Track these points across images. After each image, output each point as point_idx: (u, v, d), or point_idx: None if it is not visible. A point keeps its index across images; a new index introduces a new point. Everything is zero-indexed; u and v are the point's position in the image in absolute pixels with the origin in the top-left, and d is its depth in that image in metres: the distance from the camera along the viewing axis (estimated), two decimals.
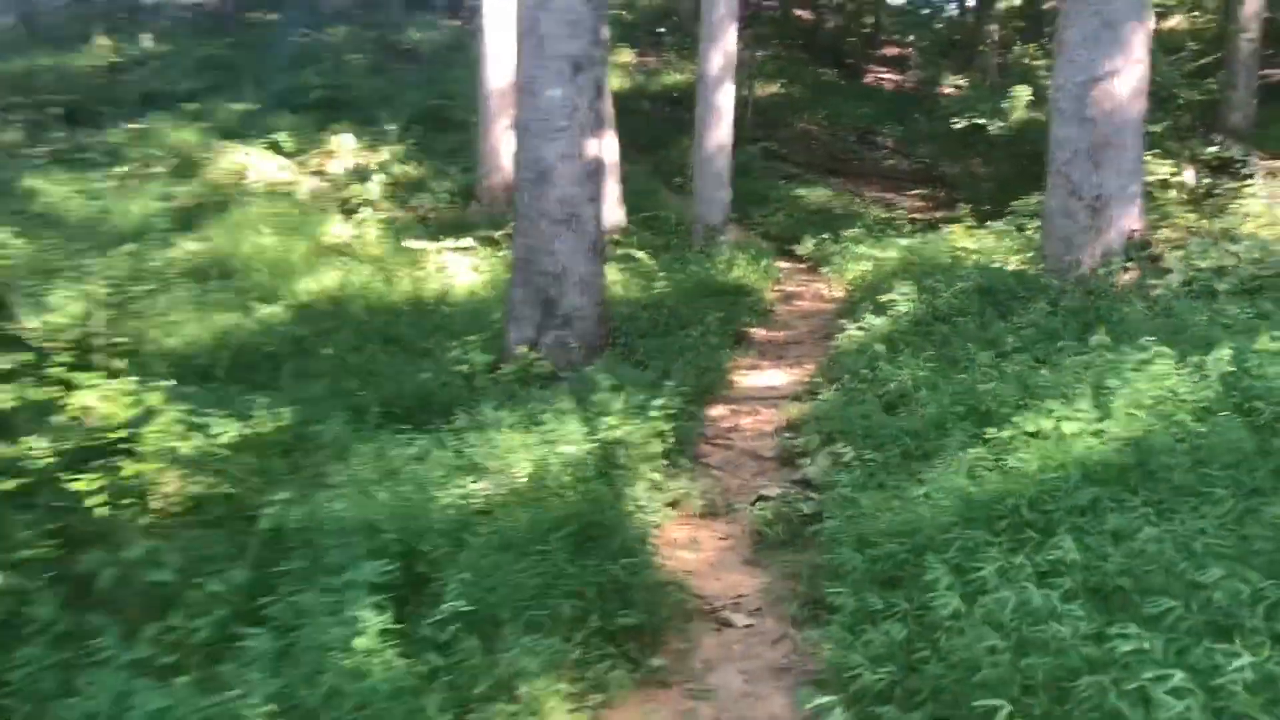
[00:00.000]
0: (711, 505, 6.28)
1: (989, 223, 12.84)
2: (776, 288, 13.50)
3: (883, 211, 18.16)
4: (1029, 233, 12.19)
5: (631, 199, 16.88)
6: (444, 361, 8.52)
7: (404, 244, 14.72)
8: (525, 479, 5.54)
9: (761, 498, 6.35)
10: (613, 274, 12.52)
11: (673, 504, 6.18)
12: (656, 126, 22.08)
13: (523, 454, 5.86)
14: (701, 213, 14.50)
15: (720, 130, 14.48)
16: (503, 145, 17.19)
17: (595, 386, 6.57)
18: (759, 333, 11.12)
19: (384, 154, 18.47)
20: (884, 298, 9.24)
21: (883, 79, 28.65)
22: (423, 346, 9.51)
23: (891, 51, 30.41)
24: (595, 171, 8.59)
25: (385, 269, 14.16)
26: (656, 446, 6.25)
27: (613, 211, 14.57)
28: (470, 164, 17.37)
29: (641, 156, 20.84)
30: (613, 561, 4.53)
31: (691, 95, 15.07)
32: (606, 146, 14.74)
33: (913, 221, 17.20)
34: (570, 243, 8.41)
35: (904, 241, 13.23)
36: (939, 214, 17.69)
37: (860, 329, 8.88)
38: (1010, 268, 10.44)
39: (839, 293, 13.14)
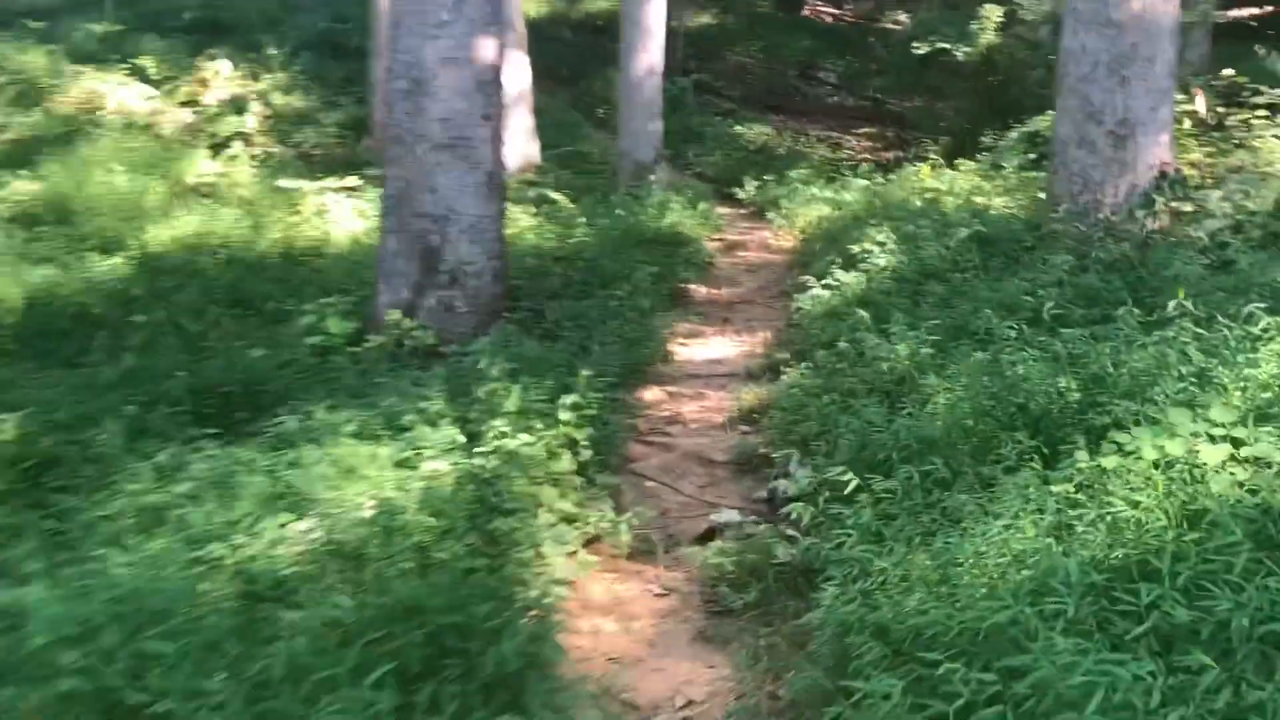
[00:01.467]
0: (646, 542, 4.45)
1: (959, 161, 11.10)
2: (717, 236, 11.63)
3: (829, 151, 16.35)
4: (1008, 171, 10.50)
5: (548, 133, 14.80)
6: (294, 331, 6.53)
7: (279, 184, 12.53)
8: (362, 525, 3.64)
9: (713, 530, 4.54)
10: (522, 219, 10.54)
11: (591, 541, 4.34)
12: (578, 57, 19.90)
13: (365, 481, 3.96)
14: (628, 148, 12.53)
15: (649, 53, 12.48)
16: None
17: (482, 376, 4.66)
18: (699, 290, 9.27)
19: (265, 83, 16.11)
20: (856, 248, 7.44)
21: (821, 12, 26.74)
22: (282, 308, 7.47)
23: None
24: (491, 83, 6.59)
25: (255, 213, 12.00)
26: (566, 462, 4.37)
27: (524, 145, 12.54)
28: (364, 94, 15.14)
29: (562, 90, 18.75)
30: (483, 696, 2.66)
31: (618, 23, 13.09)
32: (516, 67, 12.69)
33: (863, 162, 15.42)
34: (457, 176, 6.44)
35: (862, 183, 11.44)
36: (892, 154, 15.95)
37: (828, 287, 7.08)
38: (997, 212, 8.74)
39: (789, 242, 11.34)
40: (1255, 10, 14.93)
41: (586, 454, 4.52)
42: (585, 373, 4.79)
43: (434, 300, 6.44)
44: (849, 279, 7.04)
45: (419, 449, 4.11)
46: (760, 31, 22.71)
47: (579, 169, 13.10)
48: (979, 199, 9.53)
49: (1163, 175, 6.91)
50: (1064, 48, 7.19)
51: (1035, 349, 4.66)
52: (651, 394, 6.48)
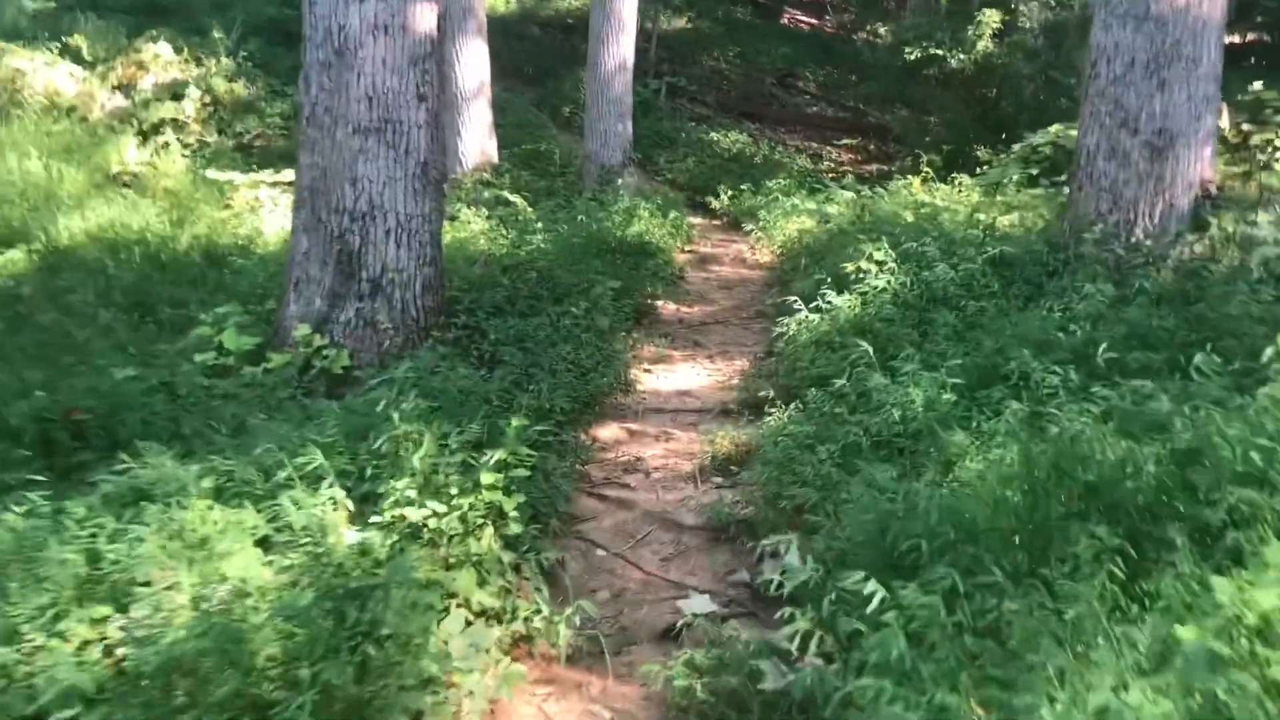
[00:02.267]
0: (591, 640, 3.42)
1: (954, 176, 10.19)
2: (688, 248, 10.64)
3: (809, 162, 15.46)
4: (1013, 188, 9.61)
5: (510, 133, 13.78)
6: (183, 347, 5.45)
7: (208, 175, 11.41)
8: (189, 639, 2.58)
9: (674, 629, 3.51)
10: (474, 222, 9.51)
11: (520, 642, 3.30)
12: (546, 55, 18.90)
13: (213, 563, 2.90)
14: (595, 150, 11.52)
15: (621, 46, 11.49)
16: None
17: (386, 421, 3.61)
18: (668, 308, 8.26)
19: (208, 69, 14.95)
20: (850, 267, 6.46)
21: (800, 21, 25.92)
22: (186, 315, 6.40)
23: None
24: (427, 57, 5.54)
25: (180, 206, 10.87)
26: (487, 540, 3.32)
27: (481, 142, 11.49)
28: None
29: (528, 89, 17.73)
30: None
31: (588, 24, 12.09)
32: (475, 57, 11.64)
33: (845, 173, 14.53)
34: (384, 166, 5.38)
35: (847, 194, 10.51)
36: (874, 166, 15.09)
37: (818, 310, 6.09)
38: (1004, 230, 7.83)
39: (766, 256, 10.39)
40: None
41: (517, 525, 3.46)
42: (518, 422, 3.72)
43: (351, 313, 5.38)
44: (842, 302, 6.06)
45: (285, 524, 3.05)
46: (737, 37, 21.80)
47: (540, 170, 12.07)
48: (980, 215, 8.62)
49: (1205, 194, 6.00)
50: (1093, 44, 6.26)
51: (1090, 402, 3.68)
52: (609, 432, 5.45)
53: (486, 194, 10.60)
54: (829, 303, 6.17)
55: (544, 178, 11.86)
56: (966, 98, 12.64)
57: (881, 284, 6.06)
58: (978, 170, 10.81)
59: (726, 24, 22.89)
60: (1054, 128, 9.29)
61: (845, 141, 16.63)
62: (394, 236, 5.42)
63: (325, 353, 5.22)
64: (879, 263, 6.36)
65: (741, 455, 4.90)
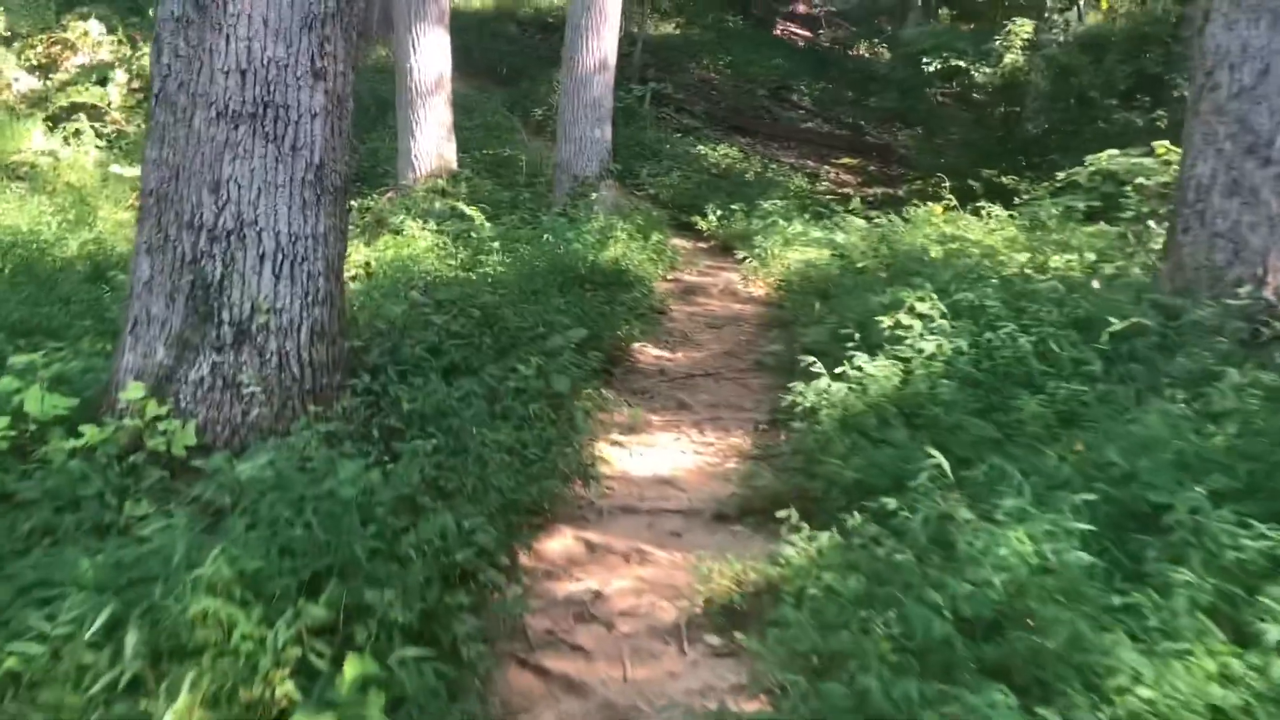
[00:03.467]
0: None
1: (983, 205, 8.78)
2: (671, 275, 9.17)
3: (804, 181, 14.03)
4: (1056, 223, 8.21)
5: (476, 137, 12.31)
6: None
7: (113, 170, 9.86)
8: None
9: None
10: (421, 239, 8.01)
11: None
12: (523, 55, 17.46)
13: None
14: (567, 158, 10.02)
15: (602, 40, 10.01)
16: None
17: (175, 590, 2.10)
18: (646, 353, 6.77)
19: (142, 51, 13.38)
20: (885, 322, 4.97)
21: (794, 34, 24.60)
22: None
23: (802, 9, 26.41)
24: (330, 17, 4.02)
25: (82, 204, 9.31)
26: None
27: (437, 144, 9.97)
28: None
29: (501, 90, 16.27)
30: None
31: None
32: (434, 47, 10.11)
33: (845, 196, 13.12)
34: (261, 166, 3.86)
35: (859, 222, 9.07)
36: (877, 189, 13.67)
37: (848, 386, 4.61)
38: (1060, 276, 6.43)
39: (761, 289, 8.92)
40: None
41: None
42: (353, 669, 2.21)
43: (205, 369, 3.84)
44: (878, 371, 4.58)
45: None
46: (728, 46, 20.43)
47: (506, 180, 10.57)
48: (1018, 254, 7.20)
49: None
50: (1209, 47, 4.84)
51: None
52: (561, 544, 3.94)
53: (439, 205, 9.09)
54: (858, 368, 4.70)
55: (509, 188, 10.36)
56: (987, 117, 11.26)
57: (930, 347, 4.59)
58: (1006, 199, 9.41)
59: (717, 32, 21.52)
60: (1104, 154, 7.89)
61: (844, 161, 15.22)
62: (272, 264, 3.90)
63: (163, 426, 3.68)
64: (923, 316, 4.89)
65: (749, 603, 3.39)
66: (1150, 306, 4.56)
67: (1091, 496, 2.87)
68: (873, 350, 5.01)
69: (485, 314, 5.17)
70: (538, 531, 3.95)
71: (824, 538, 3.35)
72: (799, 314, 7.39)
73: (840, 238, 8.69)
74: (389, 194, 9.67)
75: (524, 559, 3.71)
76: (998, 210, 8.87)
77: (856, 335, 5.08)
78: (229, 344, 3.86)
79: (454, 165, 10.17)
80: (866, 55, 22.52)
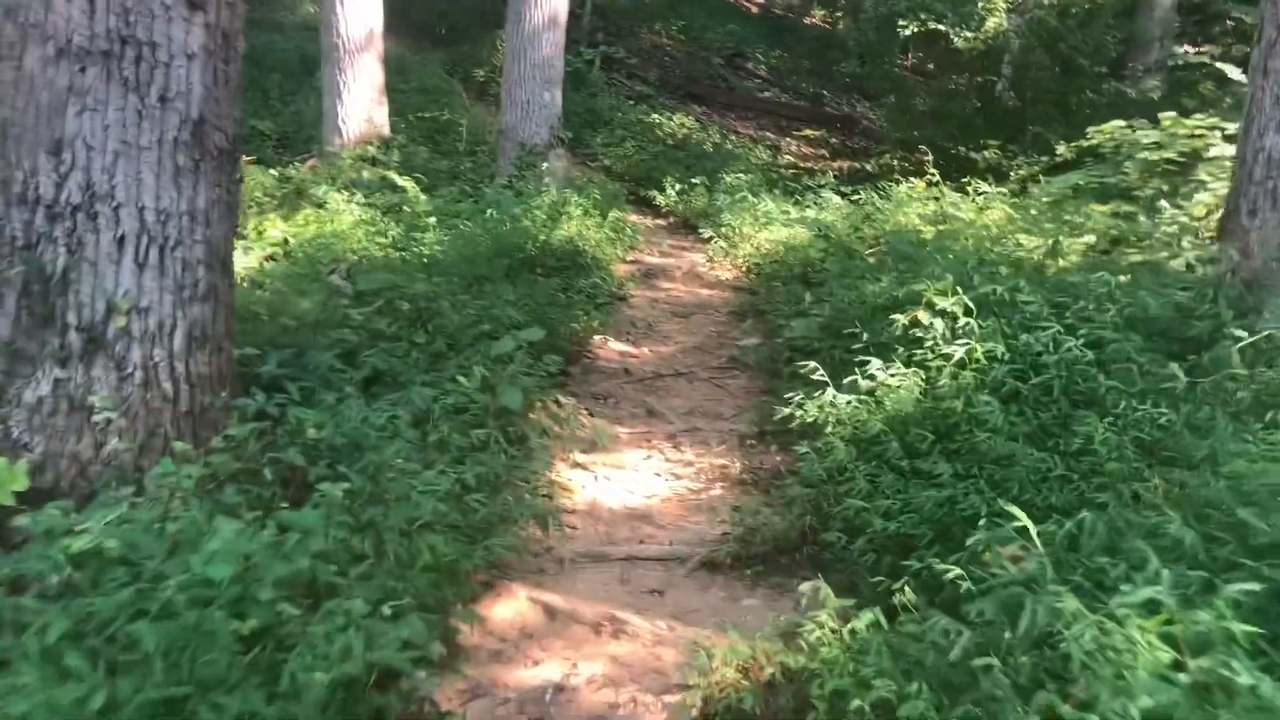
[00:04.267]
0: None
1: (976, 182, 8.04)
2: (631, 256, 8.31)
3: (765, 154, 13.23)
4: (1044, 200, 7.52)
5: (412, 101, 11.28)
6: None
7: None
8: None
9: None
10: (345, 213, 7.07)
11: None
12: (463, 14, 16.31)
13: None
14: (513, 123, 9.08)
15: None
16: None
17: None
18: (607, 349, 5.92)
19: None
20: (900, 319, 4.16)
21: (746, 1, 23.73)
22: None
23: None
24: None
25: None
26: None
27: (366, 107, 8.97)
28: None
29: (440, 51, 15.17)
30: None
31: None
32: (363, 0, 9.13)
33: (810, 171, 12.34)
34: (119, 120, 2.93)
35: (836, 200, 8.29)
36: (842, 163, 12.89)
37: (852, 402, 3.81)
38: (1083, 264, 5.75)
39: (729, 272, 8.12)
40: None
41: None
42: None
43: (46, 388, 2.92)
44: (899, 381, 3.79)
45: None
46: (681, 10, 19.47)
47: (444, 147, 9.59)
48: (1023, 237, 6.48)
49: None
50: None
51: None
52: (511, 609, 3.09)
53: (368, 174, 8.11)
54: (871, 377, 3.90)
55: (448, 156, 9.40)
56: (963, 86, 10.52)
57: (957, 352, 3.80)
58: (985, 175, 8.69)
59: None
60: (1110, 125, 7.18)
61: (806, 132, 14.42)
62: (134, 250, 2.98)
63: None
64: (944, 313, 4.09)
65: (764, 706, 2.58)
66: (1220, 301, 3.81)
67: (1254, 586, 2.09)
68: (881, 352, 4.23)
69: (418, 308, 4.27)
70: (483, 593, 3.10)
71: (863, 619, 2.54)
72: (774, 301, 6.60)
73: (816, 215, 7.90)
74: (311, 161, 8.66)
75: (465, 633, 2.86)
76: (984, 187, 8.16)
77: (863, 334, 4.27)
78: (76, 355, 2.94)
79: (386, 130, 9.18)
80: (820, 23, 21.78)
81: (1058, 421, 3.35)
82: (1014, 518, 2.46)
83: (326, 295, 4.30)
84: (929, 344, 3.98)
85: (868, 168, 12.12)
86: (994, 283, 4.29)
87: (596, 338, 6.00)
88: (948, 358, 3.82)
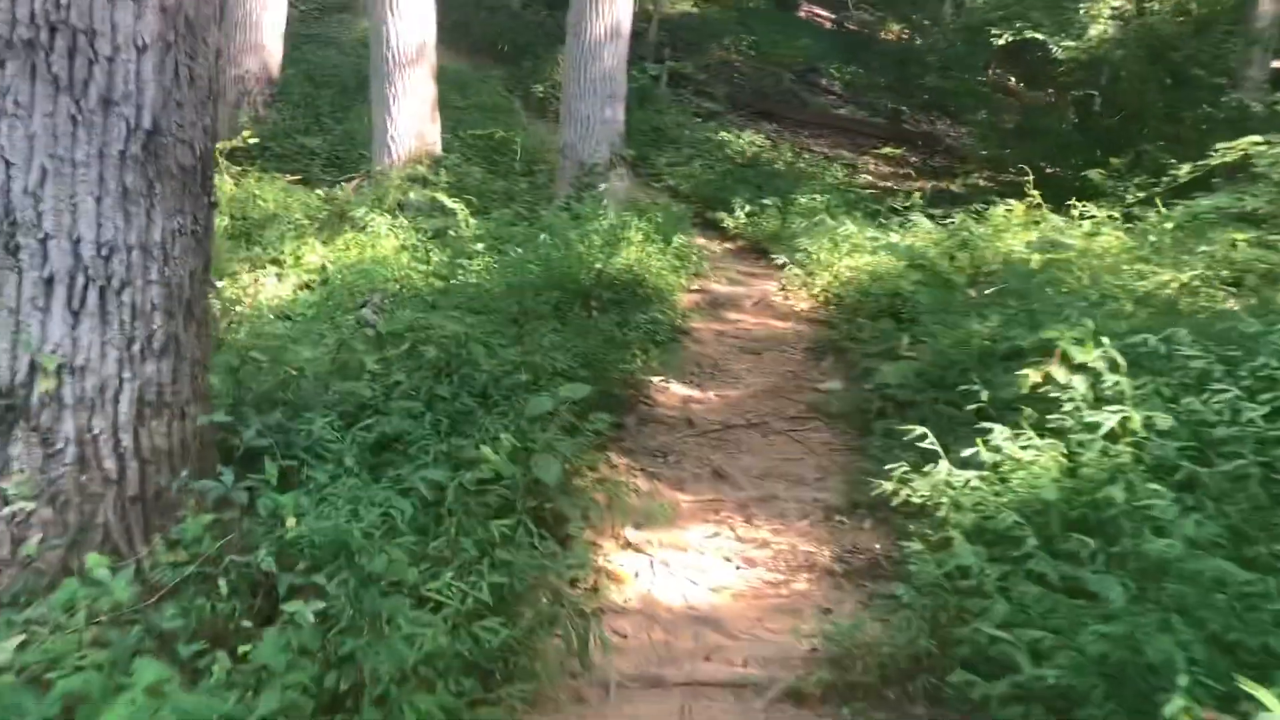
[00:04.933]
0: None
1: (1078, 205, 7.21)
2: (696, 283, 7.60)
3: (841, 173, 12.43)
4: (1153, 225, 6.67)
5: (470, 119, 10.74)
6: None
7: None
8: None
9: None
10: (388, 237, 6.51)
11: None
12: (525, 30, 15.84)
13: None
14: (573, 141, 8.44)
15: (616, 3, 8.43)
16: (265, 14, 10.79)
17: None
18: (667, 394, 5.20)
19: None
20: (1032, 375, 3.37)
21: (818, 15, 22.98)
22: None
23: None
24: None
25: None
26: None
27: (416, 123, 8.39)
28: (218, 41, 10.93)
29: (501, 68, 14.69)
30: None
31: None
32: (413, 9, 8.60)
33: (888, 190, 11.54)
34: (48, 128, 2.31)
35: (924, 224, 7.50)
36: (924, 183, 12.04)
37: (971, 480, 3.04)
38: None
39: (805, 302, 7.36)
40: None
41: None
42: None
43: None
44: (1032, 456, 3.01)
45: None
46: (751, 26, 18.79)
47: (500, 167, 8.99)
48: (1143, 268, 5.66)
49: None
50: None
51: None
52: None
53: (416, 195, 7.53)
54: (995, 447, 3.13)
55: (503, 176, 8.80)
56: (1060, 100, 9.65)
57: (1108, 421, 3.01)
58: (1089, 196, 7.82)
59: (738, 11, 19.90)
60: (1244, 141, 6.32)
61: (884, 151, 13.60)
62: (67, 293, 2.35)
63: None
64: (1082, 368, 3.30)
65: None
66: None
67: None
68: (1002, 413, 3.47)
69: (447, 353, 3.60)
70: None
71: None
72: (857, 337, 5.85)
73: (902, 240, 7.12)
74: (355, 180, 8.11)
75: None
76: (1091, 210, 7.30)
77: (979, 390, 3.49)
78: None
79: (437, 148, 8.60)
80: (893, 38, 20.96)
81: (1258, 522, 2.55)
82: (1221, 674, 1.70)
83: (338, 341, 3.65)
84: (1067, 406, 3.20)
85: (953, 188, 11.28)
86: (1138, 327, 3.50)
87: (656, 379, 5.29)
88: (1093, 427, 3.04)
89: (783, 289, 7.62)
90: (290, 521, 2.42)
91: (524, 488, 2.93)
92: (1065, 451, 3.05)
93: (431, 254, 6.36)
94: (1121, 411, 3.01)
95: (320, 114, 10.62)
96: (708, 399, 5.24)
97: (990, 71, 10.94)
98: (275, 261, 6.85)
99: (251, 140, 8.48)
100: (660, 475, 4.13)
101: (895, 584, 3.18)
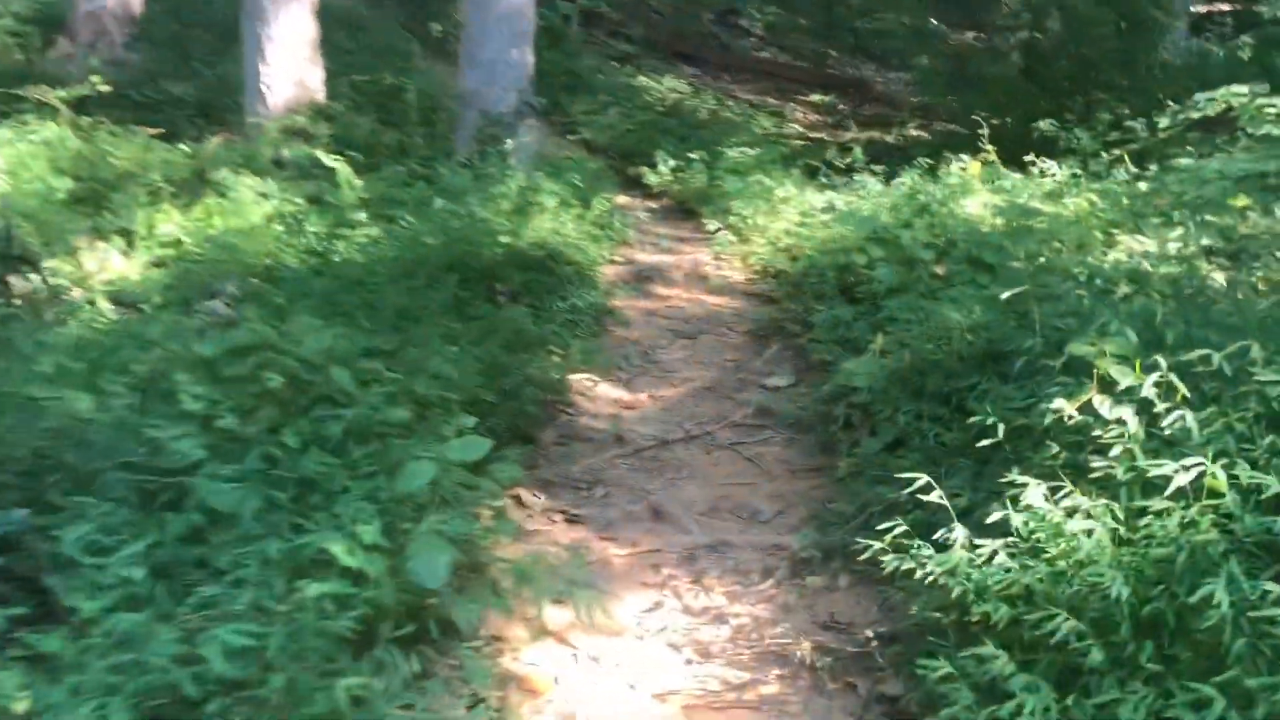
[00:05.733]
0: None
1: (1037, 161, 6.54)
2: (620, 251, 6.75)
3: (768, 122, 11.63)
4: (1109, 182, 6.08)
5: (362, 62, 9.64)
6: None
7: None
8: None
9: None
10: (258, 204, 5.55)
11: None
12: None
13: None
14: (475, 88, 7.44)
15: None
16: None
17: None
18: (591, 396, 4.36)
19: None
20: (1066, 408, 2.62)
21: None
22: None
23: None
24: None
25: None
26: None
27: (294, 68, 7.32)
28: None
29: (398, 6, 13.50)
30: None
31: None
32: None
33: (817, 141, 10.77)
34: None
35: (873, 184, 6.74)
36: (859, 134, 11.29)
37: (998, 555, 2.28)
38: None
39: (740, 272, 6.58)
40: None
41: None
42: None
43: None
44: (1083, 524, 2.27)
45: None
46: None
47: (390, 115, 7.95)
48: (1126, 238, 5.03)
49: None
50: None
51: None
52: None
53: (291, 152, 6.51)
54: (1028, 506, 2.38)
55: (394, 126, 7.77)
56: (1003, 44, 8.94)
57: (1177, 477, 2.27)
58: (1045, 151, 7.16)
59: None
60: (1224, 90, 5.67)
61: (813, 99, 12.81)
62: None
63: None
64: (1126, 395, 2.56)
65: None
66: None
67: None
68: (1019, 448, 2.73)
69: (299, 381, 2.70)
70: None
71: None
72: (805, 319, 5.09)
73: (849, 204, 6.35)
74: (220, 135, 7.01)
75: None
76: (1054, 166, 6.64)
77: (993, 423, 2.73)
78: None
79: (320, 96, 7.52)
80: None
81: None
82: None
83: (150, 370, 2.72)
84: (1112, 447, 2.46)
85: (888, 139, 10.56)
86: (1192, 338, 2.77)
87: (579, 377, 4.45)
88: (1157, 485, 2.30)
89: (716, 258, 6.81)
90: (19, 709, 1.54)
91: (392, 593, 2.08)
92: (1119, 517, 2.32)
93: (306, 224, 5.38)
94: (1195, 462, 2.27)
95: (190, 57, 9.38)
96: (639, 401, 4.42)
97: (926, 11, 10.18)
98: (124, 233, 5.81)
99: (103, 87, 7.35)
100: (585, 518, 3.31)
101: (893, 682, 2.46)
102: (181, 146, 6.93)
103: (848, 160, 7.47)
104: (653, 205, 8.56)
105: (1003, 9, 9.02)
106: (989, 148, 6.70)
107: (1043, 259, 4.79)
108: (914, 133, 10.29)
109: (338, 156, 6.34)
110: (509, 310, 4.41)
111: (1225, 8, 12.07)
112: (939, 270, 4.74)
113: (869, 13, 12.20)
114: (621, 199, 8.31)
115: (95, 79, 7.36)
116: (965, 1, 10.45)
